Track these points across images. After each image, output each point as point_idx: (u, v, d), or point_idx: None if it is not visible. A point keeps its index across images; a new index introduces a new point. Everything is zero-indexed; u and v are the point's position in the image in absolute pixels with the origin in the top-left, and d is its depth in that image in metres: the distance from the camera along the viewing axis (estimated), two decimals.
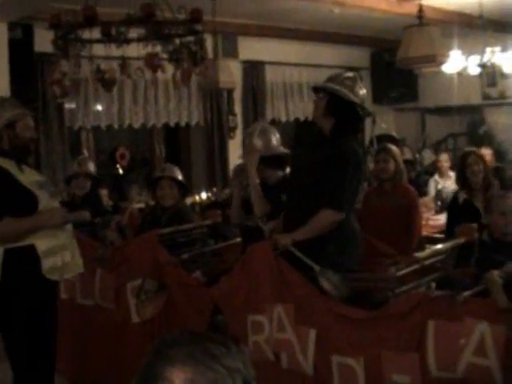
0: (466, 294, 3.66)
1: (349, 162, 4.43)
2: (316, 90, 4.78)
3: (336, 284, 4.20)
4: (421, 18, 7.51)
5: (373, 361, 3.88)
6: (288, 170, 5.34)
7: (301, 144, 6.16)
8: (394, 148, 6.41)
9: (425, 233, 6.61)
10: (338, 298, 4.18)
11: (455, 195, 6.41)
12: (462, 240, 4.67)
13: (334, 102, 4.56)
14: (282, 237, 4.45)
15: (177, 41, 5.63)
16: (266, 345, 4.40)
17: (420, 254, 4.36)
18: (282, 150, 5.42)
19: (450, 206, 6.46)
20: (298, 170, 4.80)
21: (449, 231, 5.91)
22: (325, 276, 4.21)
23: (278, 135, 5.43)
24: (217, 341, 1.59)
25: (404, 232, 6.02)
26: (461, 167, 6.11)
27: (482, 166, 5.96)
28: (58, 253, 4.48)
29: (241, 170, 5.45)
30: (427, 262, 4.30)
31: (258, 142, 5.30)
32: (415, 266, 4.21)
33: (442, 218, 7.85)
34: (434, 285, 4.27)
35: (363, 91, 4.66)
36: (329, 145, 4.54)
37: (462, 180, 6.15)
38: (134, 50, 5.80)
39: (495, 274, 3.83)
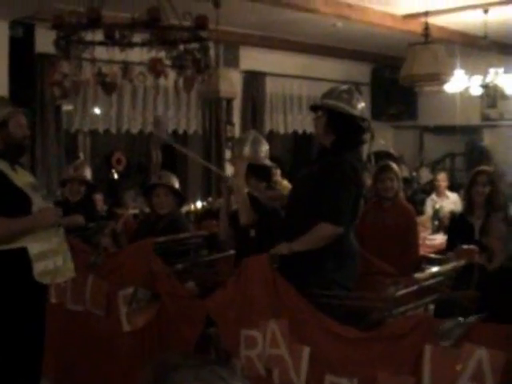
0: (471, 319, 3.56)
1: (345, 177, 4.38)
2: (314, 108, 4.74)
3: None
4: (426, 36, 7.46)
5: (366, 382, 3.82)
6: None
7: (299, 157, 6.19)
8: (395, 166, 6.40)
9: (421, 252, 6.56)
10: None
11: (453, 214, 6.38)
12: (461, 262, 4.60)
13: (334, 118, 4.51)
14: (281, 246, 4.42)
15: (181, 47, 5.58)
16: (258, 360, 4.32)
17: (419, 276, 4.28)
18: (268, 162, 5.41)
19: (450, 224, 6.44)
20: (297, 182, 4.78)
21: (448, 250, 5.89)
22: None
23: (267, 147, 5.43)
24: (221, 363, 1.52)
25: (401, 250, 5.97)
26: (469, 183, 6.07)
27: (488, 188, 5.90)
28: (50, 257, 4.43)
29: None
30: (426, 283, 4.24)
31: (247, 150, 5.28)
32: (414, 287, 4.14)
33: (438, 238, 7.84)
34: (432, 307, 4.21)
35: (361, 104, 4.61)
36: (327, 159, 4.50)
37: (467, 195, 6.12)
38: (137, 55, 5.74)
39: None
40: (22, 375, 4.43)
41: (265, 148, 5.40)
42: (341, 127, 4.51)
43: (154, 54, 5.53)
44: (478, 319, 3.59)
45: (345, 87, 4.73)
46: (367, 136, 4.70)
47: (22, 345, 4.40)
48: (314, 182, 4.46)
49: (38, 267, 4.35)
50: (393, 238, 6.01)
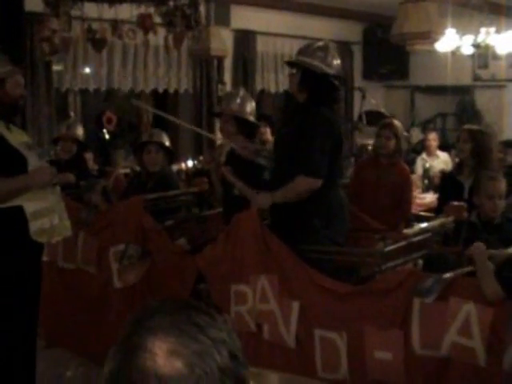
0: (451, 275, 3.60)
1: (317, 130, 4.38)
2: (290, 64, 4.73)
3: None
4: None
5: (355, 336, 3.86)
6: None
7: (285, 116, 6.17)
8: (398, 125, 6.30)
9: (412, 210, 6.58)
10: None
11: (443, 173, 6.41)
12: (450, 218, 4.63)
13: (307, 75, 4.52)
14: (263, 197, 4.50)
15: (171, 3, 5.55)
16: (248, 315, 4.37)
17: (408, 231, 4.32)
18: (253, 119, 5.39)
19: (440, 184, 6.46)
20: (277, 141, 4.83)
21: (439, 209, 5.92)
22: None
23: (253, 105, 5.44)
24: (201, 310, 1.52)
25: (394, 208, 5.98)
26: (456, 142, 6.13)
27: (469, 145, 5.91)
28: (46, 215, 4.40)
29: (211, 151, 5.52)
30: (415, 239, 4.27)
31: (235, 105, 5.29)
32: (403, 243, 4.17)
33: (428, 197, 7.88)
34: (420, 262, 4.24)
35: (337, 61, 4.60)
36: (302, 116, 4.51)
37: (456, 154, 6.22)
38: (126, 13, 5.71)
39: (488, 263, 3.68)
40: (18, 333, 4.45)
41: (251, 105, 5.40)
42: (314, 85, 4.52)
43: (143, 10, 5.51)
44: (460, 274, 3.63)
45: (321, 43, 4.69)
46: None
47: (20, 303, 4.41)
48: (291, 139, 4.48)
49: (34, 225, 4.32)
50: (387, 194, 5.99)
